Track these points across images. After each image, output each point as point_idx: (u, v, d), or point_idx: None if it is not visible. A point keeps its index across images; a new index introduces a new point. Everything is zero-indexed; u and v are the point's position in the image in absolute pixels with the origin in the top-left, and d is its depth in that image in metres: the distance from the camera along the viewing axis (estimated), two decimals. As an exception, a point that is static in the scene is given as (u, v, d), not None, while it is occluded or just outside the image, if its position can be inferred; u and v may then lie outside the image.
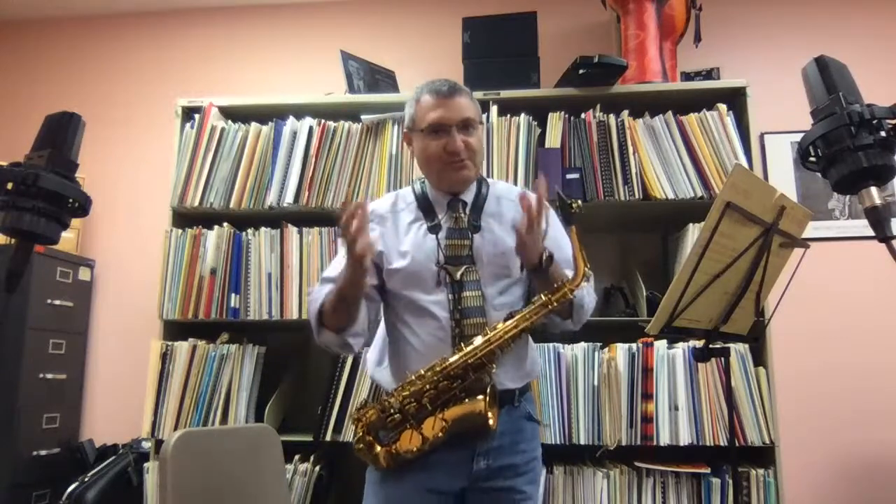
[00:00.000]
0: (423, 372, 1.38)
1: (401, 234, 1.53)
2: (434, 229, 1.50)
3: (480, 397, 1.36)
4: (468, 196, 1.55)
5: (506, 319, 1.40)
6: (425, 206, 1.54)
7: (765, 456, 2.11)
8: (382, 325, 1.60)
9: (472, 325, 1.42)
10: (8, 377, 2.52)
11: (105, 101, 3.17)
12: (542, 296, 1.40)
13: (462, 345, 1.39)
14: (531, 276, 1.49)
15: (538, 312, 1.39)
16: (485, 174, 1.69)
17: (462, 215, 1.51)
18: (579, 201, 1.41)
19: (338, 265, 1.51)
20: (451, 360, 1.37)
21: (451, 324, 1.43)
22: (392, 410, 1.37)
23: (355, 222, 1.30)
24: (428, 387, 1.36)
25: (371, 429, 1.39)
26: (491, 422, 1.35)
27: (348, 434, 2.18)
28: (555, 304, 1.39)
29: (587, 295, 1.51)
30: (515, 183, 2.27)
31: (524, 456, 1.47)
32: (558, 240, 1.57)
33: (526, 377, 1.53)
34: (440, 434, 1.35)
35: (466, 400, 1.37)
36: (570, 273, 1.45)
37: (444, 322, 1.43)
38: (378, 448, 1.38)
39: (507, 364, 1.45)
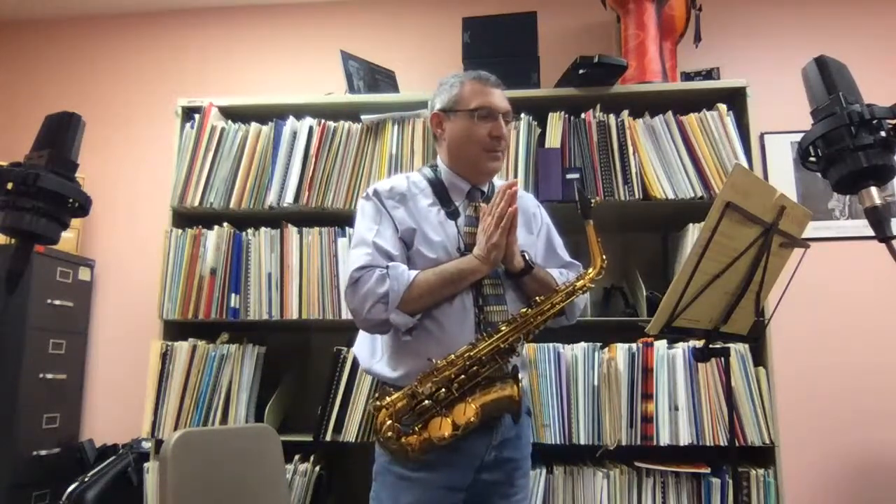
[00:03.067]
0: (452, 357, 1.38)
1: (423, 217, 1.53)
2: (452, 215, 1.53)
3: (510, 381, 1.40)
4: (485, 189, 1.60)
5: (531, 306, 1.45)
6: (440, 192, 1.56)
7: (765, 456, 2.10)
8: None
9: (494, 312, 1.46)
10: (8, 377, 2.52)
11: (105, 101, 3.17)
12: (565, 285, 1.48)
13: (489, 330, 1.41)
14: (518, 282, 1.52)
15: (562, 300, 1.46)
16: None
17: (481, 205, 1.54)
18: (598, 197, 1.47)
19: (386, 235, 1.48)
20: (482, 345, 1.39)
21: (475, 310, 1.46)
22: (421, 397, 1.35)
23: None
24: (457, 373, 1.36)
25: (397, 417, 1.37)
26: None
27: (349, 434, 2.18)
28: (579, 292, 1.48)
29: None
30: (515, 183, 2.28)
31: (523, 451, 1.51)
32: (552, 238, 1.69)
33: (524, 369, 1.59)
34: (472, 419, 1.34)
35: (497, 384, 1.39)
36: (556, 273, 1.57)
37: (467, 308, 1.46)
38: (404, 438, 1.35)
39: (518, 354, 1.49)
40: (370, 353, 1.55)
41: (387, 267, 1.43)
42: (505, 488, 1.46)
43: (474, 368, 1.37)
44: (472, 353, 1.37)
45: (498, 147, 1.54)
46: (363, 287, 1.42)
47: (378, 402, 1.39)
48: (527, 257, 1.50)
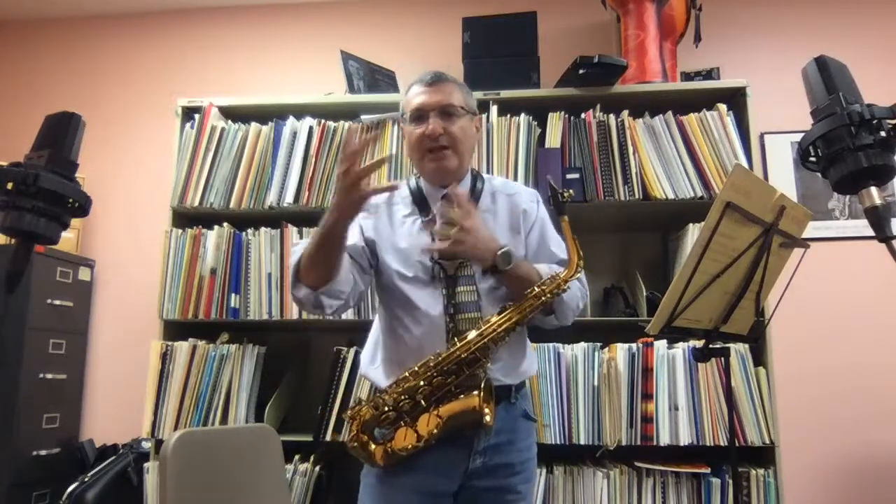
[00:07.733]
0: (416, 368, 1.37)
1: (396, 227, 1.53)
2: (428, 224, 1.50)
3: (475, 393, 1.34)
4: (462, 189, 1.53)
5: (499, 312, 1.39)
6: (419, 200, 1.54)
7: (765, 456, 2.11)
8: (375, 324, 1.60)
9: (467, 319, 1.41)
10: (8, 377, 2.51)
11: (105, 101, 3.17)
12: (536, 287, 1.40)
13: (456, 340, 1.37)
14: (497, 280, 1.46)
15: (532, 304, 1.39)
16: (485, 174, 1.69)
17: (456, 209, 1.48)
18: (570, 191, 1.40)
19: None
20: (444, 355, 1.36)
21: (446, 318, 1.42)
22: (386, 408, 1.35)
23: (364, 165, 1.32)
24: (422, 383, 1.35)
25: (366, 427, 1.37)
26: (487, 418, 1.34)
27: (348, 434, 2.18)
28: (548, 295, 1.39)
29: (569, 289, 1.47)
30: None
31: (520, 455, 1.47)
32: (545, 234, 1.58)
33: (523, 374, 1.52)
34: (434, 431, 1.33)
35: (461, 396, 1.35)
36: (545, 269, 1.47)
37: (437, 317, 1.43)
38: (373, 446, 1.36)
39: (502, 359, 1.45)
40: (370, 359, 1.55)
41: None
42: (503, 494, 1.43)
43: (438, 378, 1.35)
44: (434, 364, 1.35)
45: (434, 146, 1.47)
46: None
47: (350, 412, 1.39)
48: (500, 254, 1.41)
